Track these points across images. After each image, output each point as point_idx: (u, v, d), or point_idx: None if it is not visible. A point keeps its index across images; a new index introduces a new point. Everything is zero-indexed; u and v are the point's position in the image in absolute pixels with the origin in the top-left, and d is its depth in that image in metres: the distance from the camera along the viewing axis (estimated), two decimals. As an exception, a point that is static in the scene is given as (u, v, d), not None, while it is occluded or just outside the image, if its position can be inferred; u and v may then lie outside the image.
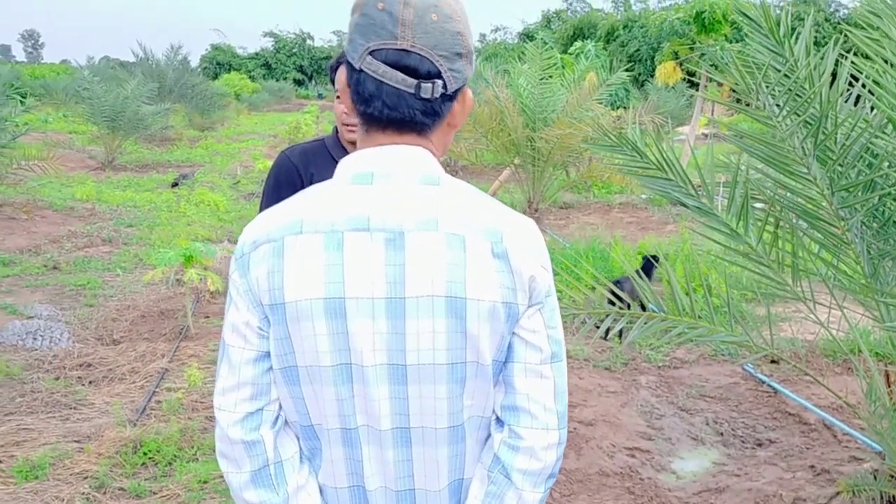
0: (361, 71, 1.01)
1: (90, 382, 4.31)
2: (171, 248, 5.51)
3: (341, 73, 2.09)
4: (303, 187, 2.21)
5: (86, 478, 3.28)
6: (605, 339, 4.97)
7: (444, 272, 1.00)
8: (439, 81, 1.01)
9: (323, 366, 1.02)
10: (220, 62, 56.50)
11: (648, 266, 5.46)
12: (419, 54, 0.99)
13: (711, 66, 10.58)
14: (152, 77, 17.88)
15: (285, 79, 57.04)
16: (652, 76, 21.82)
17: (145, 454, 3.47)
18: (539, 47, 7.99)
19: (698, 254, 6.55)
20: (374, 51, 0.99)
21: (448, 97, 1.04)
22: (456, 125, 1.11)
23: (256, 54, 60.88)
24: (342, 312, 1.00)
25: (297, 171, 2.20)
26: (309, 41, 62.97)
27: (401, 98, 1.01)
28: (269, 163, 11.23)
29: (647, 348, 5.02)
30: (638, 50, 31.30)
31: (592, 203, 11.25)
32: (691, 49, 13.06)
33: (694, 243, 7.02)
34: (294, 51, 61.26)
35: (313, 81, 60.89)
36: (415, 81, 1.00)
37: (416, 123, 1.04)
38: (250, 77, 48.21)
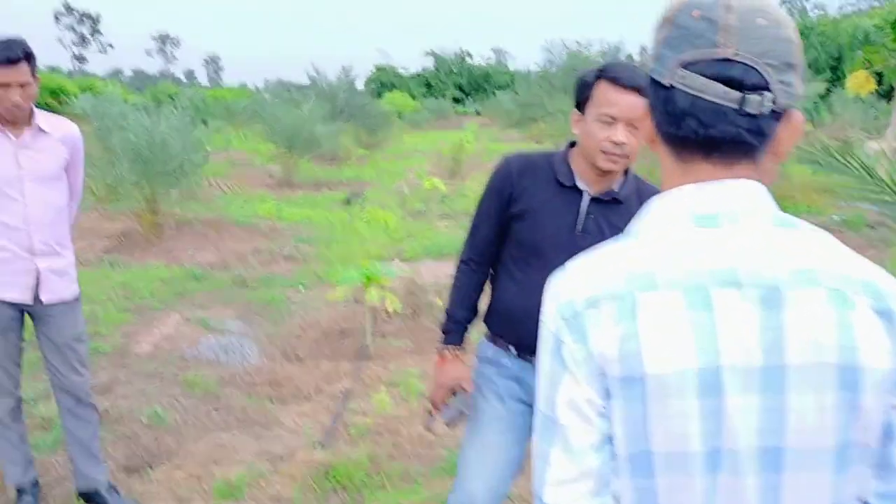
0: (672, 87, 0.89)
1: (279, 400, 4.39)
2: (350, 267, 5.60)
3: (601, 92, 1.90)
4: (511, 197, 2.03)
5: (280, 500, 3.30)
6: None
7: (833, 335, 0.84)
8: (768, 94, 0.86)
9: (691, 451, 0.85)
10: (383, 82, 58.57)
11: None
12: (745, 63, 0.85)
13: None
14: (325, 98, 18.67)
15: (444, 97, 58.26)
16: (833, 87, 20.27)
17: (335, 479, 3.45)
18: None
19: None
20: (688, 63, 0.87)
21: (775, 116, 0.88)
22: (782, 155, 0.93)
23: (418, 74, 62.63)
24: (718, 385, 0.84)
25: (511, 180, 2.06)
26: (468, 59, 63.99)
27: (720, 114, 0.87)
28: (440, 182, 11.29)
29: None
30: (816, 59, 29.27)
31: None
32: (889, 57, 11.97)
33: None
34: (453, 69, 62.48)
35: (471, 98, 61.78)
36: (739, 94, 0.85)
37: (742, 145, 0.88)
38: (411, 96, 49.60)
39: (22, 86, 2.66)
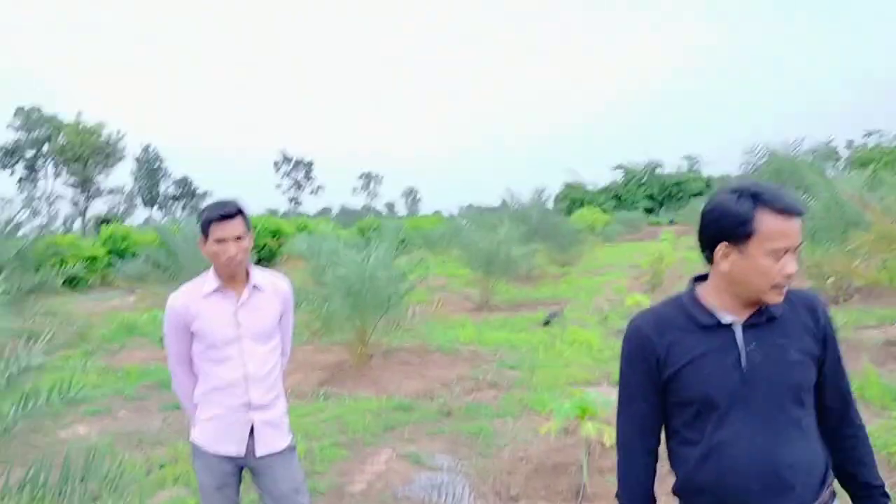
0: None
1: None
2: (557, 394, 5.33)
3: (768, 224, 1.71)
4: (659, 362, 1.75)
5: None
6: None
7: None
8: None
9: None
10: (573, 199, 59.06)
11: None
12: None
13: None
14: (518, 220, 18.97)
15: (636, 208, 57.53)
16: None
17: None
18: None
19: None
20: None
21: None
22: None
23: (606, 188, 62.62)
24: None
25: (652, 342, 1.84)
26: (658, 169, 63.19)
27: None
28: (642, 297, 10.85)
29: None
30: None
31: None
32: None
33: None
34: (643, 180, 61.88)
35: (663, 207, 60.52)
36: None
37: None
38: (602, 209, 49.46)
39: (237, 239, 2.79)
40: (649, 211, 59.22)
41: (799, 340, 1.83)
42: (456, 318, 13.23)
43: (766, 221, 1.72)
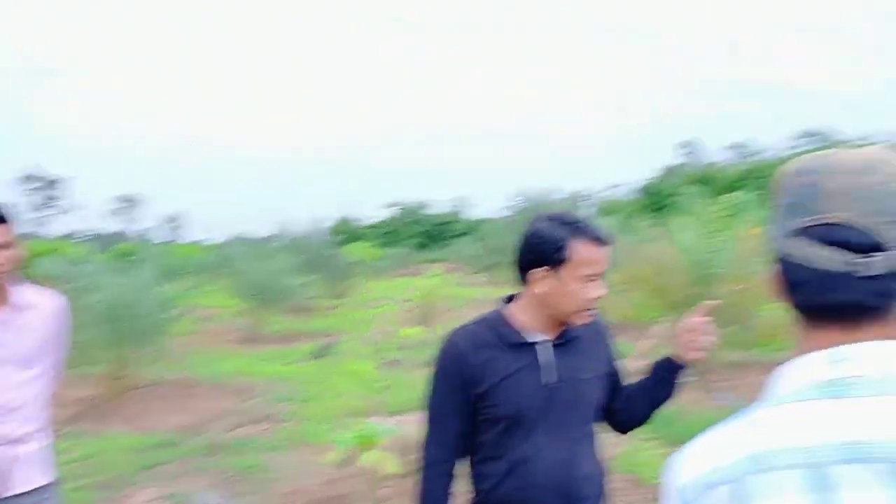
0: (785, 258, 0.88)
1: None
2: (335, 426, 5.23)
3: (580, 251, 1.80)
4: (474, 378, 1.80)
5: None
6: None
7: None
8: (882, 254, 0.82)
9: None
10: (346, 232, 59.37)
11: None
12: (852, 226, 0.83)
13: None
14: (292, 250, 18.66)
15: (406, 245, 59.09)
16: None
17: None
18: (701, 199, 7.68)
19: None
20: (798, 231, 0.87)
21: None
22: None
23: (380, 223, 63.78)
24: None
25: (467, 358, 1.89)
26: (426, 209, 65.61)
27: (835, 280, 0.84)
28: (415, 330, 11.06)
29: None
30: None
31: (760, 362, 10.34)
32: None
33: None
34: (414, 218, 63.88)
35: (432, 245, 62.75)
36: (849, 257, 0.83)
37: (865, 309, 0.84)
38: (373, 244, 50.19)
39: (4, 247, 2.44)
40: (422, 247, 61.10)
41: (595, 360, 1.98)
42: (224, 350, 12.64)
43: (579, 249, 1.81)
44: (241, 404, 8.40)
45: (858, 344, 0.84)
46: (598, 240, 1.83)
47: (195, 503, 5.09)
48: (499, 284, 25.77)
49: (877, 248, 0.83)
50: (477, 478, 1.94)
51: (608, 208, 37.52)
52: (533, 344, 1.90)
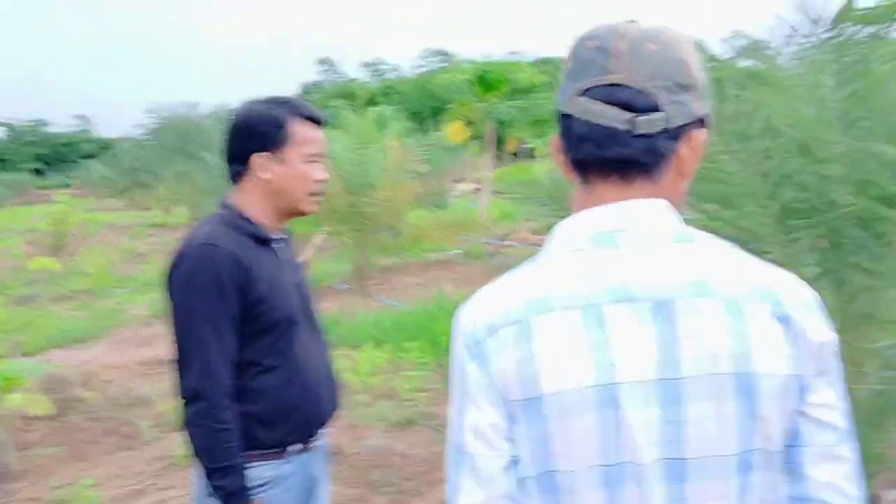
0: (571, 116, 0.93)
1: None
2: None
3: (300, 131, 1.74)
4: (249, 282, 1.67)
5: None
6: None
7: (727, 345, 0.86)
8: (659, 114, 0.90)
9: (592, 467, 0.87)
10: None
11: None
12: (633, 87, 0.90)
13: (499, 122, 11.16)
14: None
15: (22, 169, 52.00)
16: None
17: None
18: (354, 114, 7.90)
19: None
20: (583, 91, 0.92)
21: (671, 135, 0.92)
22: (686, 173, 0.96)
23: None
24: (615, 401, 0.86)
25: (239, 259, 1.65)
26: (45, 127, 58.13)
27: (613, 137, 0.90)
28: (47, 261, 9.93)
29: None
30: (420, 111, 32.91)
31: (410, 264, 11.18)
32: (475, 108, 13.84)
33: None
34: (31, 139, 56.18)
35: (52, 168, 56.02)
36: (629, 115, 0.89)
37: (638, 165, 0.92)
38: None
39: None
40: (38, 172, 54.18)
41: (297, 262, 1.95)
42: None
43: (297, 128, 1.73)
44: None
45: (628, 201, 0.92)
46: (316, 118, 1.78)
47: None
48: (139, 207, 24.06)
49: (653, 109, 0.89)
50: (253, 396, 1.70)
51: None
52: (272, 240, 1.79)
